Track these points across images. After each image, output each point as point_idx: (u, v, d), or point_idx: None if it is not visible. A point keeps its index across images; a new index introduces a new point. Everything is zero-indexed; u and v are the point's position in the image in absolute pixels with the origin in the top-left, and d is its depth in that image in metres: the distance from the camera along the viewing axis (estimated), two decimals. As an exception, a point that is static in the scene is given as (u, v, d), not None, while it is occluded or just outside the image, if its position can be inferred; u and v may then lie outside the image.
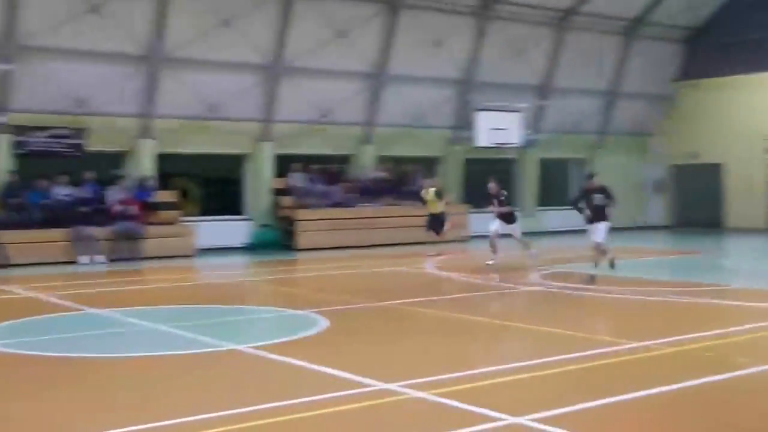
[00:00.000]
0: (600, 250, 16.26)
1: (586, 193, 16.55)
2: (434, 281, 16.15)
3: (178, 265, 19.80)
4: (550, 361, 8.23)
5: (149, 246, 20.87)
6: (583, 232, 17.48)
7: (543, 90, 29.14)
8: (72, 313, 12.24)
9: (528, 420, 6.13)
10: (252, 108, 24.30)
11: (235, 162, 25.02)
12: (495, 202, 17.80)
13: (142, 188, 22.06)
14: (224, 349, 9.21)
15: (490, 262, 17.28)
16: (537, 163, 29.75)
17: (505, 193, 18.04)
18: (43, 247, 19.61)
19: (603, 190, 16.33)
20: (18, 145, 21.05)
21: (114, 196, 21.31)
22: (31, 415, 6.64)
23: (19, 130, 20.98)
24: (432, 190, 22.26)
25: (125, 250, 20.51)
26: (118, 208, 20.91)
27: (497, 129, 27.10)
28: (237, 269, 20.33)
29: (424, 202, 22.39)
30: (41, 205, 20.50)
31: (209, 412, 6.44)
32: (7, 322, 11.17)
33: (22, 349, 9.31)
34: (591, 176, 17.31)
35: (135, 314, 11.77)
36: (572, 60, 29.03)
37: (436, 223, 21.72)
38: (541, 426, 6.01)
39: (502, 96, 27.55)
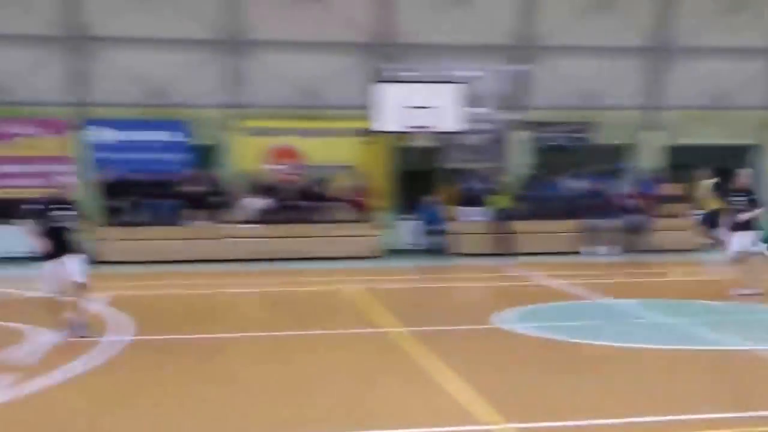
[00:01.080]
0: None
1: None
2: None
3: (684, 258, 19.62)
4: None
5: (656, 239, 20.91)
6: None
7: None
8: (583, 301, 12.98)
9: None
10: (759, 96, 23.18)
11: (741, 152, 23.96)
12: None
13: (646, 181, 22.26)
14: (737, 348, 9.08)
15: None
16: None
17: None
18: (547, 237, 20.77)
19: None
20: (536, 140, 22.76)
21: (619, 188, 21.82)
22: (580, 398, 7.30)
23: (536, 126, 22.63)
24: (708, 182, 19.07)
25: (632, 243, 20.86)
26: (623, 200, 21.35)
27: None
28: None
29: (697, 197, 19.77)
30: (552, 197, 21.83)
31: (711, 413, 6.51)
32: (528, 306, 12.24)
33: (545, 333, 10.15)
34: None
35: (643, 306, 12.09)
36: None
37: (710, 221, 18.60)
38: None
39: None
